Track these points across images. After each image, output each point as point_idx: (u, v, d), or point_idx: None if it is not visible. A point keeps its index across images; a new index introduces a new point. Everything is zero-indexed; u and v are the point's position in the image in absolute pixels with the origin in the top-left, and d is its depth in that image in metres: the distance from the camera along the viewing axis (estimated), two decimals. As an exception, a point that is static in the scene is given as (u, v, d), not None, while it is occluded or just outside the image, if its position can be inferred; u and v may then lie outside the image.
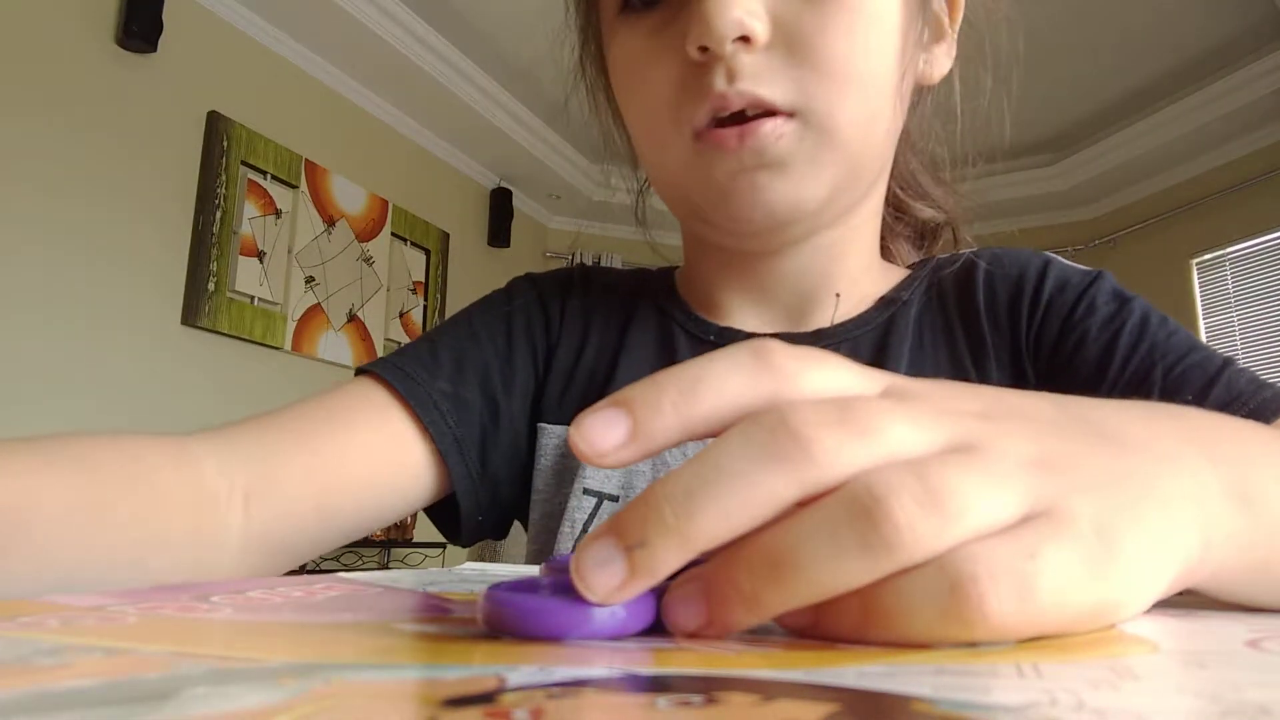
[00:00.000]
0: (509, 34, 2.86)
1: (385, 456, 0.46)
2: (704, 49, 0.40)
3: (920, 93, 0.52)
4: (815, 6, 0.40)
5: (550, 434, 0.52)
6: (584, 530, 0.48)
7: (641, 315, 0.55)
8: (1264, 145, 3.22)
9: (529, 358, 0.54)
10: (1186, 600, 0.25)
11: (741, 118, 0.41)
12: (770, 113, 0.41)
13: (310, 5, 2.64)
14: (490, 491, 0.50)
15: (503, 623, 0.17)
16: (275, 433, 0.43)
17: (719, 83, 0.40)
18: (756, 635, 0.18)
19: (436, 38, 2.94)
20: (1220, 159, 3.36)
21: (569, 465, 0.51)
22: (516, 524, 0.56)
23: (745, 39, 0.40)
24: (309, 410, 0.45)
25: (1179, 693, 0.12)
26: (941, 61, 0.49)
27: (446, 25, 2.90)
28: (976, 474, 0.17)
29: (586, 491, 0.49)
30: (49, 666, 0.13)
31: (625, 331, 0.55)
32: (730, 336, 0.52)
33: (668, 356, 0.53)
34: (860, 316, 0.51)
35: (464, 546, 0.53)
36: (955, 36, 0.49)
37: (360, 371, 0.49)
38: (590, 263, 4.02)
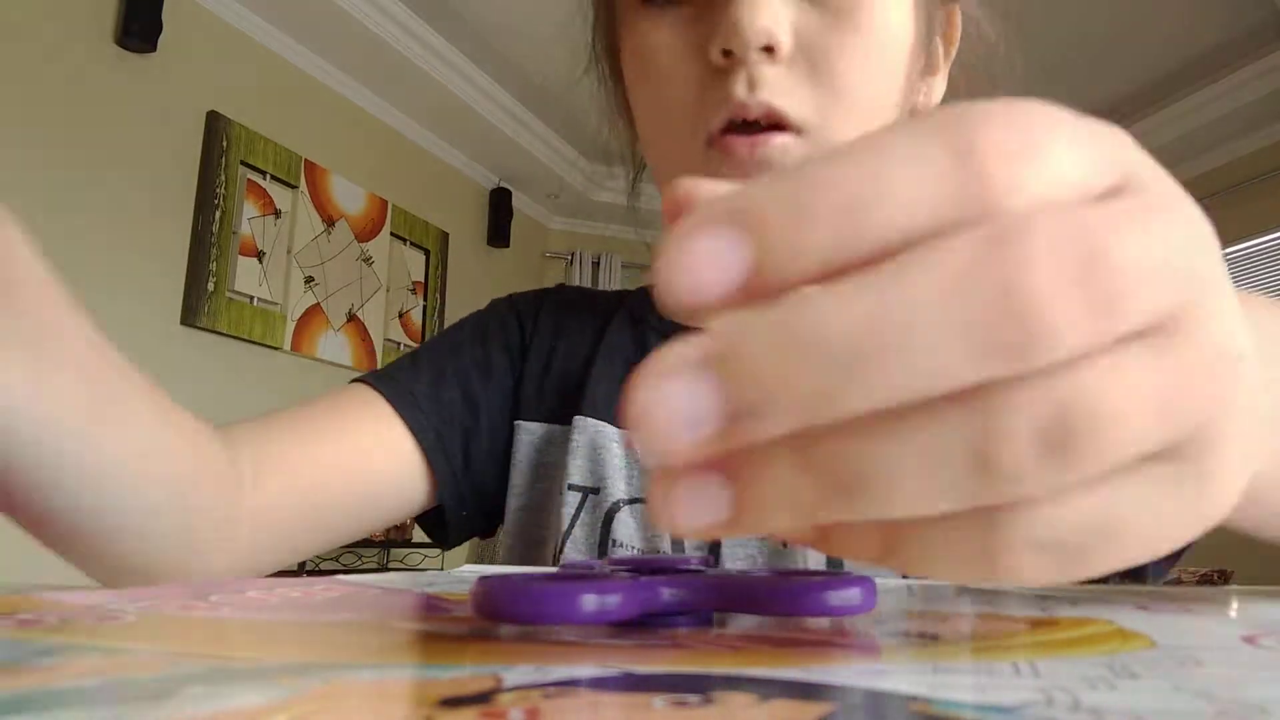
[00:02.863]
0: (509, 34, 2.86)
1: (376, 452, 0.48)
2: (728, 53, 0.40)
3: None
4: (835, 27, 0.41)
5: (526, 430, 0.54)
6: (570, 526, 0.49)
7: (616, 324, 0.57)
8: (1264, 145, 3.23)
9: (504, 359, 0.56)
10: (1185, 594, 0.25)
11: (753, 127, 0.42)
12: (779, 126, 0.41)
13: (310, 5, 2.63)
14: (473, 486, 0.52)
15: (493, 605, 0.17)
16: (273, 427, 0.45)
17: (739, 90, 0.40)
18: (756, 636, 0.18)
19: (436, 38, 2.94)
20: (1220, 159, 3.36)
21: (545, 461, 0.53)
22: None
23: (769, 49, 0.40)
24: (303, 410, 0.47)
25: (1176, 691, 0.12)
26: (935, 93, 0.51)
27: (446, 25, 2.90)
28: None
29: (571, 488, 0.50)
30: (47, 666, 0.13)
31: (599, 338, 0.56)
32: None
33: (641, 358, 0.52)
34: None
35: (451, 546, 0.55)
36: (947, 69, 0.51)
37: (351, 383, 0.52)
38: (590, 262, 3.97)
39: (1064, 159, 0.13)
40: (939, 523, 0.13)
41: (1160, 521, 0.13)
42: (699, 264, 0.12)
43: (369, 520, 0.48)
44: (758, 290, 0.12)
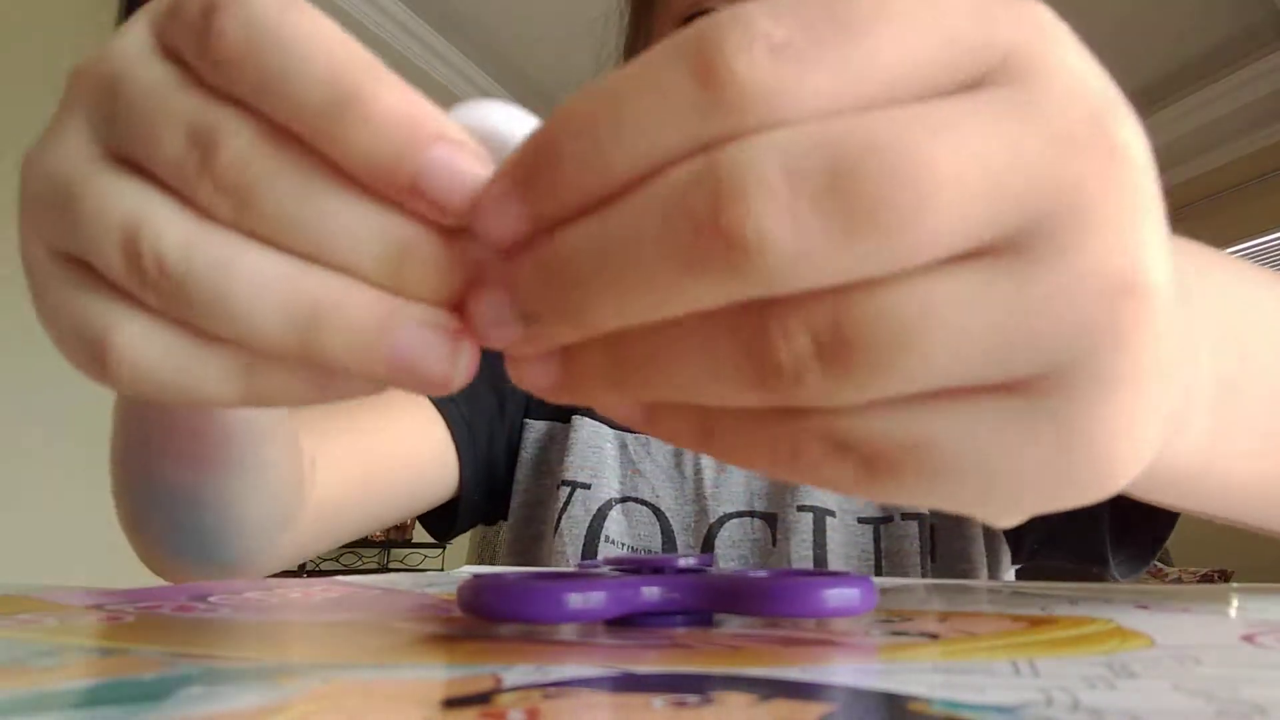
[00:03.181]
0: (510, 36, 2.86)
1: (419, 443, 0.50)
2: None
3: None
4: None
5: (532, 428, 0.57)
6: (558, 520, 0.51)
7: None
8: (1264, 145, 3.22)
9: None
10: (1185, 594, 0.25)
11: None
12: None
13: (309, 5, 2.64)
14: (489, 480, 0.54)
15: (478, 603, 0.17)
16: (326, 418, 0.47)
17: None
18: (756, 636, 0.18)
19: (436, 38, 2.94)
20: (1220, 159, 3.36)
21: (547, 458, 0.56)
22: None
23: None
24: (350, 401, 0.49)
25: (1175, 690, 0.12)
26: None
27: (447, 26, 2.90)
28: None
29: (563, 483, 0.52)
30: (47, 667, 0.13)
31: None
32: None
33: None
34: None
35: (454, 536, 0.56)
36: None
37: None
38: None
39: (876, 51, 0.11)
40: (746, 415, 0.14)
41: (1001, 459, 0.12)
42: (487, 218, 0.13)
43: (409, 506, 0.50)
44: (553, 222, 0.13)
